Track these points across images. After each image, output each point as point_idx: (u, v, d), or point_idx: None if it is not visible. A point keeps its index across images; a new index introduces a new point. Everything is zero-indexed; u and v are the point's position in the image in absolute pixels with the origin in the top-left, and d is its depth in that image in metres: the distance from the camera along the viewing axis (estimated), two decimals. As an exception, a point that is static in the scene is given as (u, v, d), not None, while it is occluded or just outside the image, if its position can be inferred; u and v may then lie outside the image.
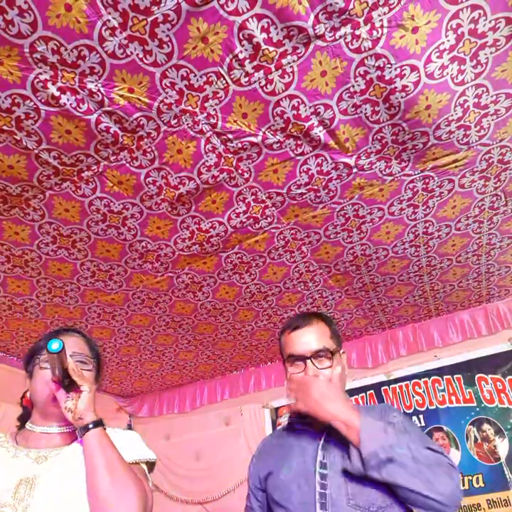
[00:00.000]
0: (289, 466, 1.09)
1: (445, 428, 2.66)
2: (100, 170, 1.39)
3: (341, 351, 1.18)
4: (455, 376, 2.73)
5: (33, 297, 2.05)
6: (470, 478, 2.52)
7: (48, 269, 1.85)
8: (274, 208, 1.67)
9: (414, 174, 1.58)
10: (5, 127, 1.20)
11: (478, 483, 2.49)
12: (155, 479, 3.08)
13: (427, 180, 1.62)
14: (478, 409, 2.61)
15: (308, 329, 1.14)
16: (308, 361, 1.09)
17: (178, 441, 3.34)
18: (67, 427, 1.01)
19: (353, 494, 0.97)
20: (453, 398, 2.69)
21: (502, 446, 2.51)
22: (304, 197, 1.62)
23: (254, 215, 1.68)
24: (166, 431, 3.41)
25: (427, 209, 1.78)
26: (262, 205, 1.64)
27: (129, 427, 3.46)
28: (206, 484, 3.07)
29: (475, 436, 2.58)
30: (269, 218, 1.72)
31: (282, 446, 1.17)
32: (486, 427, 2.57)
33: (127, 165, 1.38)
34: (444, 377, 2.75)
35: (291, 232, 1.82)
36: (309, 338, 1.12)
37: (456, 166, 1.56)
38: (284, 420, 2.99)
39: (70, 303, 2.13)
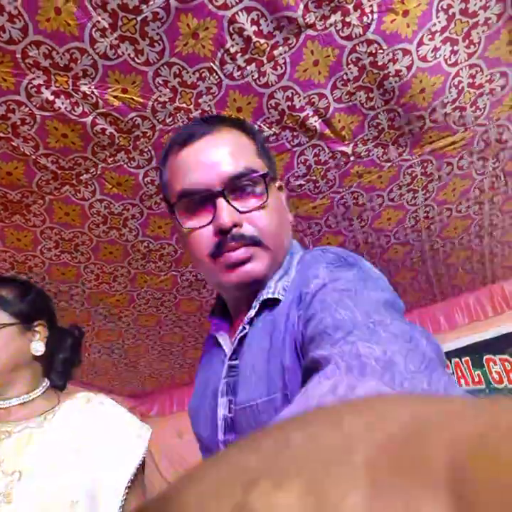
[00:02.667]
0: (204, 393, 0.71)
1: (456, 411, 2.67)
2: (98, 172, 1.39)
3: (277, 183, 0.69)
4: (463, 359, 2.73)
5: (39, 303, 2.06)
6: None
7: (52, 273, 1.86)
8: (273, 201, 1.67)
9: (412, 159, 1.58)
10: (1, 134, 1.20)
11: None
12: (170, 476, 3.13)
13: (425, 165, 1.62)
14: (487, 390, 2.62)
15: (212, 140, 0.60)
16: (220, 200, 0.58)
17: (191, 439, 3.29)
18: (27, 394, 0.87)
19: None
20: (462, 381, 2.69)
21: (513, 426, 2.52)
22: (303, 188, 1.62)
23: (254, 209, 1.68)
24: (178, 429, 3.43)
25: (427, 193, 1.78)
26: (262, 199, 1.64)
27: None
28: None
29: (486, 418, 2.59)
30: (269, 211, 1.72)
31: (205, 361, 0.77)
32: (496, 408, 2.58)
33: (125, 166, 1.38)
34: (453, 360, 2.76)
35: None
36: (216, 154, 0.59)
37: (453, 148, 1.56)
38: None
39: (75, 306, 2.14)
